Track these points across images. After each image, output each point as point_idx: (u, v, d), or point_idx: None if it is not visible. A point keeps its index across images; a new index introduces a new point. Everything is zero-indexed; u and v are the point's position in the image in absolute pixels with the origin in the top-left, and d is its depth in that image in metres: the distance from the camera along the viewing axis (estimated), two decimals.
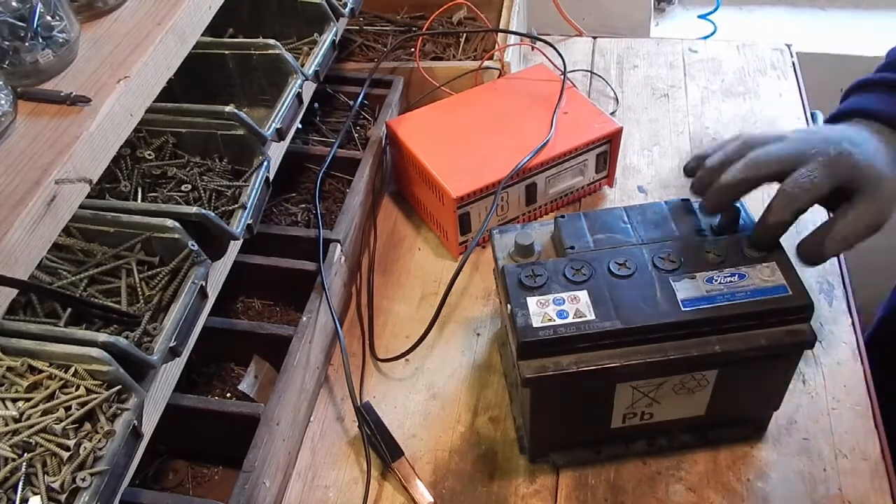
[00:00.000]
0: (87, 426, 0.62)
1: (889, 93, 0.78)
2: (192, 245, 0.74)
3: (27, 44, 0.60)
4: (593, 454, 0.89)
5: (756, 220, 0.81)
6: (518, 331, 0.77)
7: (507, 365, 0.98)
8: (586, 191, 1.20)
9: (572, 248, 0.85)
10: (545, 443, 0.88)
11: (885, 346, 1.07)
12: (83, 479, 0.59)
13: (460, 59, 1.34)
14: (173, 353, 0.70)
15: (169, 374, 0.73)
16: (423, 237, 1.18)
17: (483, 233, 1.07)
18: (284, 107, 0.90)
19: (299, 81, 0.93)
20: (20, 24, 0.60)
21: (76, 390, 0.63)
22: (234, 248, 0.84)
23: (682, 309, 0.77)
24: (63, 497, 0.58)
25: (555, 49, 1.28)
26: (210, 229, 0.77)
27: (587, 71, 1.44)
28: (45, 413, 0.62)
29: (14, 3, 0.59)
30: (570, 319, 0.77)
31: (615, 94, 1.40)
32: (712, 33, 1.77)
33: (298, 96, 0.93)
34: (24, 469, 0.59)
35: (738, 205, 0.87)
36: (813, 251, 0.76)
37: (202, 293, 0.74)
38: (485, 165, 1.08)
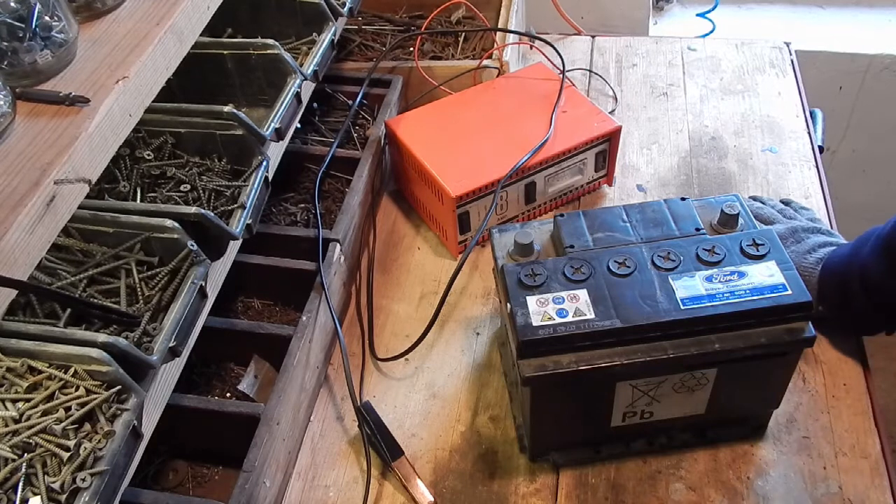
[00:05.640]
0: (87, 426, 0.62)
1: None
2: (192, 245, 0.74)
3: (26, 44, 0.60)
4: (593, 453, 0.89)
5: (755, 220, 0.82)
6: (518, 330, 0.77)
7: (506, 364, 0.98)
8: (585, 189, 1.20)
9: (572, 246, 0.85)
10: (545, 442, 0.88)
11: None
12: (83, 480, 0.59)
13: (459, 59, 1.34)
14: (173, 353, 0.70)
15: (169, 374, 0.73)
16: (423, 236, 1.18)
17: (482, 232, 1.07)
18: (283, 106, 0.90)
19: (298, 81, 0.93)
20: (19, 24, 0.60)
21: (76, 391, 0.63)
22: (234, 247, 0.84)
23: (682, 307, 0.77)
24: (63, 497, 0.58)
25: (553, 48, 1.28)
26: (209, 229, 0.77)
27: (586, 70, 1.44)
28: (44, 414, 0.62)
29: (12, 4, 0.59)
30: (569, 318, 0.77)
31: (614, 92, 1.40)
32: (711, 31, 1.77)
33: (297, 96, 0.93)
34: (24, 469, 0.59)
35: (738, 203, 0.87)
36: None
37: (202, 293, 0.74)
38: (484, 164, 1.08)
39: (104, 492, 0.60)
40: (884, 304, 0.87)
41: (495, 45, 1.28)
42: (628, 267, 0.81)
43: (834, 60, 1.80)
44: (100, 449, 0.61)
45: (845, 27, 1.88)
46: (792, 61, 1.44)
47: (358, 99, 1.25)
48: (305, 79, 0.95)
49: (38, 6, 0.60)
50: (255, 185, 0.84)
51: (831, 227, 1.05)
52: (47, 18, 0.61)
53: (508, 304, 0.80)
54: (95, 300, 0.71)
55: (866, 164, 2.01)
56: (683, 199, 0.89)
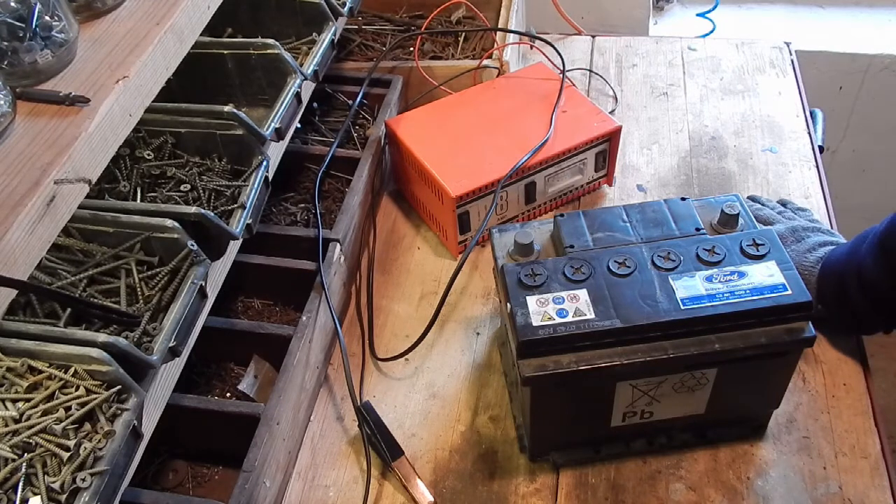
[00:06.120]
0: (87, 426, 0.62)
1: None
2: (192, 245, 0.74)
3: (26, 44, 0.60)
4: (593, 453, 0.89)
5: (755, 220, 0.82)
6: (518, 330, 0.77)
7: (507, 364, 0.98)
8: (585, 189, 1.20)
9: (572, 246, 0.85)
10: (545, 442, 0.88)
11: None
12: (83, 480, 0.59)
13: (459, 59, 1.34)
14: (173, 353, 0.70)
15: (169, 374, 0.73)
16: (423, 236, 1.18)
17: (482, 232, 1.07)
18: (283, 106, 0.90)
19: (298, 81, 0.93)
20: (19, 24, 0.60)
21: (76, 391, 0.63)
22: (234, 247, 0.84)
23: (682, 307, 0.77)
24: (63, 497, 0.58)
25: (554, 48, 1.28)
26: (209, 229, 0.77)
27: (586, 70, 1.44)
28: (45, 413, 0.62)
29: (13, 4, 0.59)
30: (569, 318, 0.77)
31: (614, 92, 1.40)
32: (711, 31, 1.77)
33: (297, 96, 0.93)
34: (24, 469, 0.59)
35: (738, 203, 0.87)
36: None
37: (202, 293, 0.74)
38: (484, 164, 1.08)
39: (104, 492, 0.60)
40: (881, 302, 0.87)
41: (495, 45, 1.28)
42: (628, 267, 0.81)
43: (834, 60, 1.80)
44: (100, 449, 0.61)
45: (845, 27, 1.87)
46: (792, 61, 1.44)
47: (358, 99, 1.25)
48: (305, 79, 0.95)
49: (39, 6, 0.60)
50: (255, 185, 0.84)
51: (831, 227, 1.05)
52: (47, 18, 0.61)
53: (508, 304, 0.80)
54: (95, 300, 0.71)
55: (866, 164, 2.01)
56: (683, 199, 0.89)
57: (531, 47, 1.42)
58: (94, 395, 0.63)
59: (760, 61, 1.44)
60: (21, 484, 0.58)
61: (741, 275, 0.80)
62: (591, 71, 1.44)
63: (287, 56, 0.93)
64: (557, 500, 0.86)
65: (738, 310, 0.77)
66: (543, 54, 1.38)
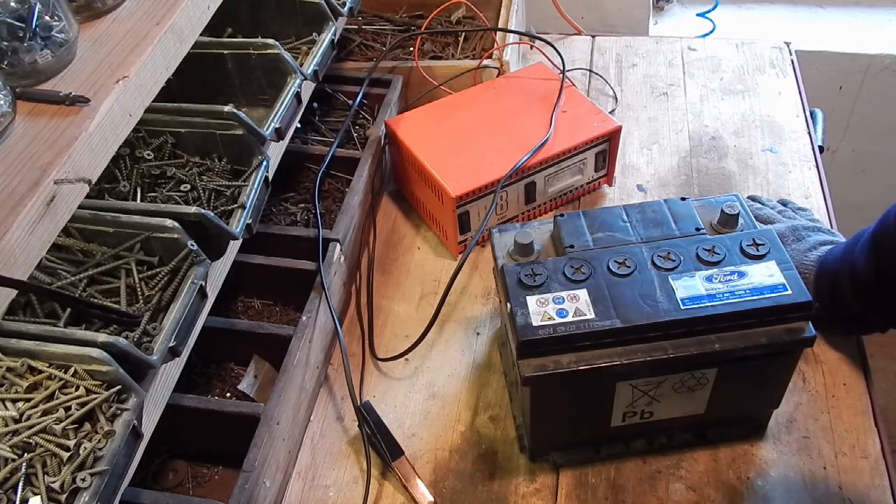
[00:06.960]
0: (87, 426, 0.62)
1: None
2: (192, 245, 0.74)
3: (26, 44, 0.60)
4: (593, 453, 0.89)
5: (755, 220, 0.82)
6: (518, 330, 0.77)
7: (506, 364, 0.98)
8: (585, 189, 1.20)
9: (572, 246, 0.85)
10: (545, 442, 0.88)
11: None
12: (83, 480, 0.59)
13: (459, 59, 1.34)
14: (173, 353, 0.70)
15: (169, 374, 0.73)
16: (423, 236, 1.18)
17: (482, 232, 1.07)
18: (283, 106, 0.90)
19: (298, 81, 0.93)
20: (19, 24, 0.59)
21: (76, 390, 0.63)
22: (234, 247, 0.84)
23: (682, 307, 0.77)
24: (63, 497, 0.58)
25: (554, 48, 1.28)
26: (209, 229, 0.77)
27: (586, 70, 1.44)
28: (44, 413, 0.62)
29: (13, 4, 0.59)
30: (569, 318, 0.77)
31: (614, 92, 1.40)
32: (711, 31, 1.77)
33: (297, 96, 0.93)
34: (24, 469, 0.59)
35: (738, 203, 0.87)
36: None
37: (202, 293, 0.74)
38: (484, 164, 1.08)
39: (104, 492, 0.60)
40: (873, 301, 0.86)
41: (495, 45, 1.28)
42: (628, 267, 0.81)
43: (834, 60, 1.80)
44: (100, 449, 0.61)
45: (845, 27, 1.88)
46: (792, 61, 1.44)
47: (358, 99, 1.25)
48: (305, 79, 0.95)
49: (39, 6, 0.60)
50: (255, 185, 0.84)
51: (831, 227, 1.05)
52: (47, 18, 0.61)
53: (508, 304, 0.80)
54: (95, 300, 0.71)
55: (866, 164, 2.01)
56: (683, 199, 0.89)
57: (531, 47, 1.42)
58: (94, 395, 0.63)
59: (760, 61, 1.44)
60: (21, 484, 0.58)
61: (741, 275, 0.80)
62: (591, 71, 1.44)
63: (287, 56, 0.92)
64: (557, 500, 0.86)
65: (738, 310, 0.77)
66: (543, 54, 1.38)
